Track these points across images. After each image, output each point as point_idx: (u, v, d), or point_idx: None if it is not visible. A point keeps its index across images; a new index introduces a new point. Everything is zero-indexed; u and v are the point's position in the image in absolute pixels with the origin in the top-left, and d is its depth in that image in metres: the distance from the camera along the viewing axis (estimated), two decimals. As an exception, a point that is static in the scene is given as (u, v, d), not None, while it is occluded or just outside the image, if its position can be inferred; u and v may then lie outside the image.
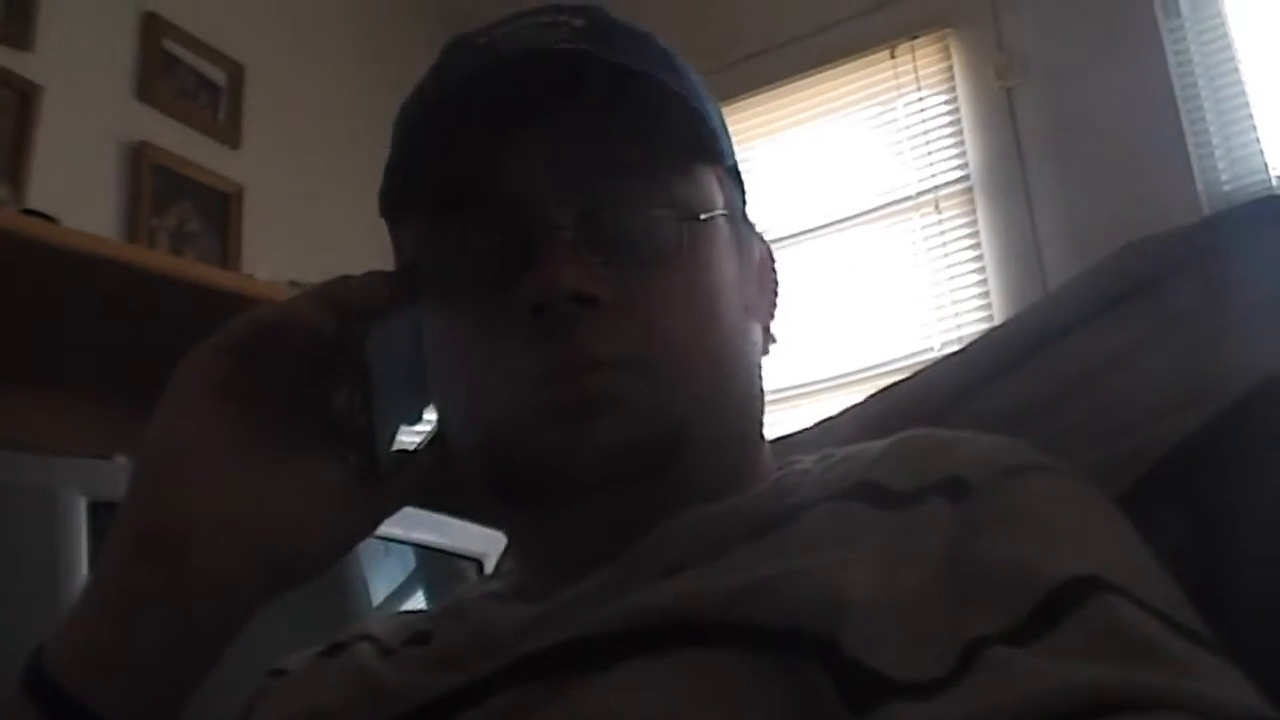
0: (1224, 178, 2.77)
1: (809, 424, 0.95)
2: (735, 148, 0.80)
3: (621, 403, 0.66)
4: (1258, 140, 2.75)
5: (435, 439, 0.72)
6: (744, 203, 0.80)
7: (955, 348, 0.92)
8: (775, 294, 0.82)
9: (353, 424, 0.66)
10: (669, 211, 0.70)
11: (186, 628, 0.61)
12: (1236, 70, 2.80)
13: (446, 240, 0.71)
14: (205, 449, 0.63)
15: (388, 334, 0.68)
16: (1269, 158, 2.73)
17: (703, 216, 0.71)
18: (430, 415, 0.73)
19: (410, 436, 0.71)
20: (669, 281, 0.69)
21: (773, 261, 0.83)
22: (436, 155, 0.70)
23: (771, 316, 0.81)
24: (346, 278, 0.68)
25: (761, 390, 0.77)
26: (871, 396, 0.93)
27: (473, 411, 0.70)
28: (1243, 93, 2.78)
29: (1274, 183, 2.71)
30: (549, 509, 0.72)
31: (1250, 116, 2.77)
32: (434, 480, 0.71)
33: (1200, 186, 2.75)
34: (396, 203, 0.74)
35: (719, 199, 0.74)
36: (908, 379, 0.91)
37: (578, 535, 0.71)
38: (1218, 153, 2.78)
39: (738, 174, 0.79)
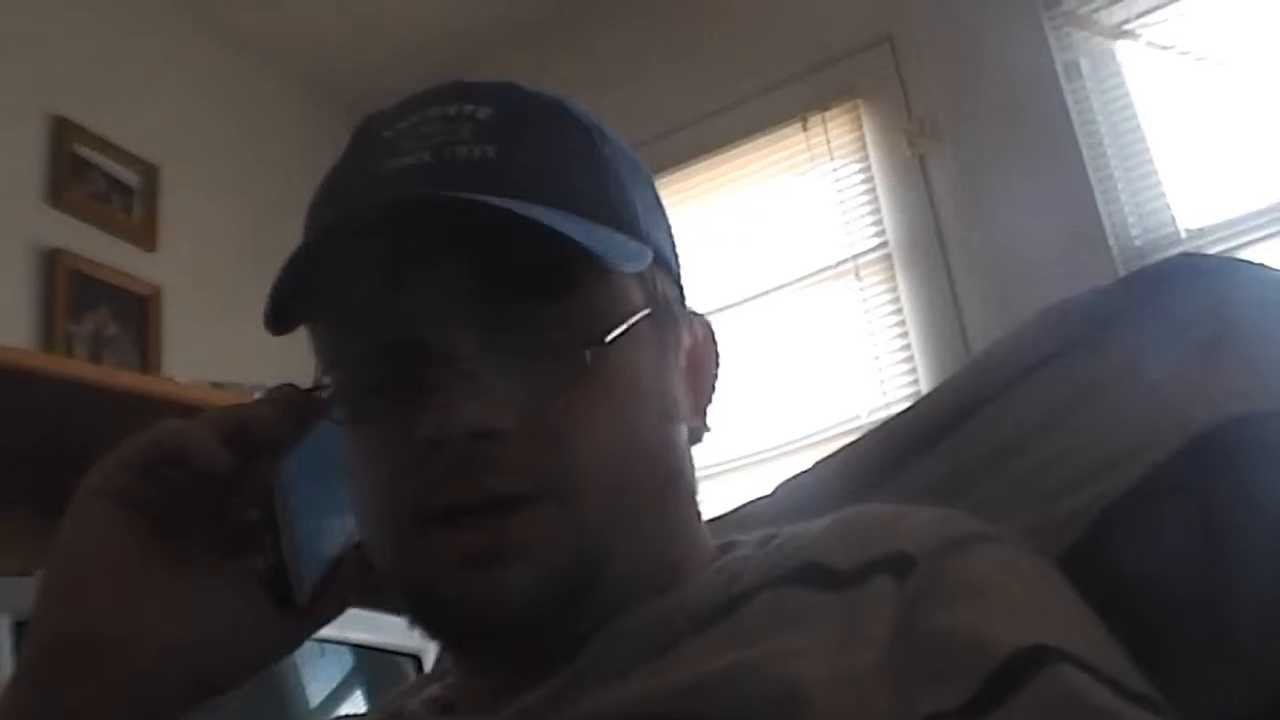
0: (1134, 233, 2.81)
1: (744, 501, 0.95)
2: (669, 222, 0.78)
3: (532, 547, 0.64)
4: (1164, 195, 2.81)
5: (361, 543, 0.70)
6: (678, 284, 0.77)
7: (884, 415, 0.92)
8: (714, 376, 0.79)
9: (265, 556, 0.65)
10: (575, 334, 0.66)
11: None
12: (1140, 128, 2.86)
13: (350, 362, 0.69)
14: (113, 561, 0.62)
15: (299, 456, 0.66)
16: (1176, 211, 2.79)
17: (609, 338, 0.67)
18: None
19: (336, 541, 0.69)
20: (576, 404, 0.66)
21: (713, 340, 0.80)
22: (332, 276, 0.66)
23: (707, 400, 0.78)
24: (252, 406, 0.67)
25: (692, 485, 0.75)
26: (804, 471, 0.92)
27: (382, 543, 0.69)
28: (1147, 149, 2.84)
29: (1182, 235, 2.76)
30: (471, 648, 0.71)
31: (1156, 172, 2.82)
32: (359, 590, 0.70)
33: (1112, 242, 2.79)
34: (286, 319, 0.69)
35: (637, 300, 0.70)
36: (839, 451, 0.91)
37: (509, 662, 0.69)
38: (1127, 209, 2.83)
39: (668, 255, 0.76)
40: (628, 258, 0.68)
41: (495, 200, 0.63)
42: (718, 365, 0.80)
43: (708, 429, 0.77)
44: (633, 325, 0.69)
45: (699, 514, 0.77)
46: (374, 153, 0.70)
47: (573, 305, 0.67)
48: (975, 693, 0.55)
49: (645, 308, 0.71)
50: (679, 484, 0.73)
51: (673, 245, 0.78)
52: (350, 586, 0.69)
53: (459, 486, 0.64)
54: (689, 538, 0.75)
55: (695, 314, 0.79)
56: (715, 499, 0.91)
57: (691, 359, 0.77)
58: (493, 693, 0.68)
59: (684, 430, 0.74)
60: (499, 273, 0.66)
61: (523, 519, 0.64)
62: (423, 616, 0.69)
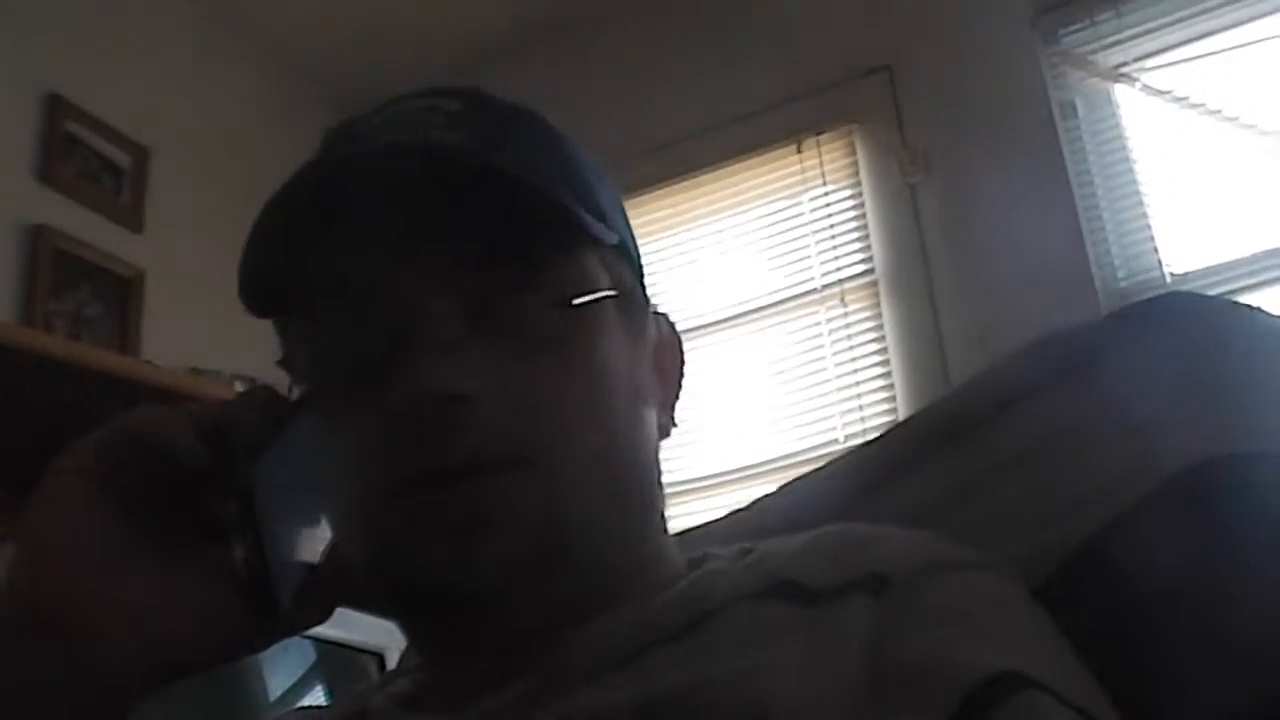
0: (1120, 274, 2.83)
1: (718, 515, 0.94)
2: (633, 228, 0.79)
3: (511, 514, 0.64)
4: (1152, 238, 2.82)
5: (335, 546, 0.70)
6: (640, 280, 0.78)
7: (861, 439, 0.91)
8: (679, 374, 0.80)
9: (243, 557, 0.64)
10: (546, 298, 0.67)
11: (73, 714, 0.59)
12: (1131, 170, 2.88)
13: (321, 339, 0.69)
14: (81, 538, 0.62)
15: (278, 458, 0.65)
16: (1163, 255, 2.80)
17: (578, 301, 0.68)
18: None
19: (314, 546, 0.69)
20: (550, 369, 0.67)
21: (677, 341, 0.81)
22: (301, 251, 0.67)
23: (674, 398, 0.79)
24: (230, 405, 0.67)
25: (660, 477, 0.75)
26: (783, 487, 0.92)
27: (354, 523, 0.68)
28: (1137, 192, 2.86)
29: (1168, 279, 2.77)
30: (443, 622, 0.70)
31: (1145, 215, 2.84)
32: (335, 594, 0.69)
33: (1097, 283, 2.80)
34: (262, 298, 0.70)
35: (603, 280, 0.71)
36: (819, 469, 0.91)
37: (480, 646, 0.68)
38: (1114, 249, 2.85)
39: (631, 251, 0.77)
40: (595, 228, 0.69)
41: (476, 145, 0.66)
42: (683, 363, 0.81)
43: (675, 424, 0.78)
44: (600, 300, 0.70)
45: (665, 524, 0.77)
46: (348, 140, 0.72)
47: (543, 276, 0.68)
48: (947, 716, 0.55)
49: (612, 290, 0.72)
50: (647, 466, 0.73)
51: (635, 245, 0.79)
52: (330, 592, 0.69)
53: (434, 453, 0.63)
54: (654, 535, 0.75)
55: (661, 313, 0.80)
56: (692, 515, 0.91)
57: (657, 353, 0.78)
58: (460, 691, 0.67)
59: (653, 417, 0.75)
60: (469, 244, 0.66)
61: (499, 483, 0.64)
62: (389, 592, 0.69)
